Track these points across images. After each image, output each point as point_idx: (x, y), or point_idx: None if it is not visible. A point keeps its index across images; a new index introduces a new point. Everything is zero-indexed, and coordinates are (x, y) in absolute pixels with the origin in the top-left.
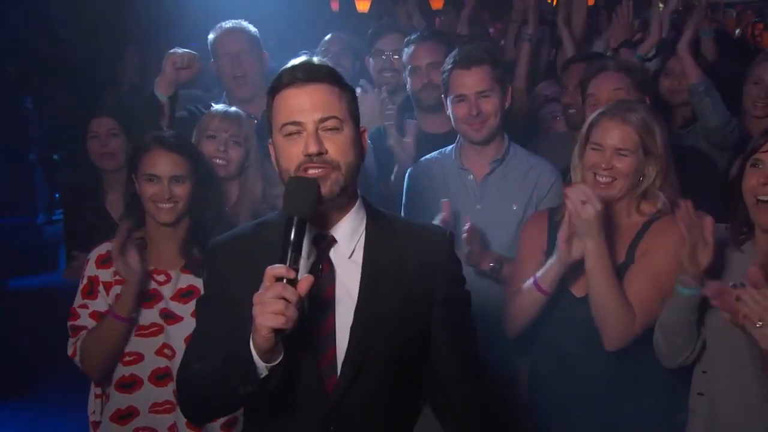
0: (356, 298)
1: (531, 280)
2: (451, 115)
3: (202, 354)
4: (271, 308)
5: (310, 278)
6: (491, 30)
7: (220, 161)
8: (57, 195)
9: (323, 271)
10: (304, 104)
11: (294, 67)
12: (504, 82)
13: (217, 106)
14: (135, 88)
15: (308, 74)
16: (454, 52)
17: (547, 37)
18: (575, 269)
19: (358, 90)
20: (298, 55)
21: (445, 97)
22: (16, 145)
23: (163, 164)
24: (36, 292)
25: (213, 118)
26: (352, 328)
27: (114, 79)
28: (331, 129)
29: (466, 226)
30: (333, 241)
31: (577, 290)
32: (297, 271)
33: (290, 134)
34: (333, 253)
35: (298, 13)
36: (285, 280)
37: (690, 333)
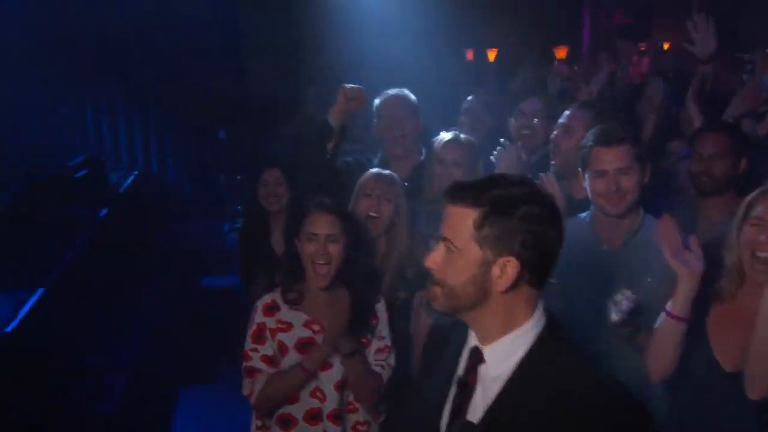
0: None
1: (662, 315)
2: (588, 189)
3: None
4: None
5: None
6: None
7: (374, 214)
8: (239, 207)
9: (469, 382)
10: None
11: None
12: (643, 159)
13: (374, 170)
14: (311, 121)
15: (448, 195)
16: (594, 129)
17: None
18: (726, 351)
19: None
20: (448, 130)
21: (583, 171)
22: (211, 167)
23: (321, 224)
24: (220, 290)
25: (369, 179)
26: None
27: (292, 117)
28: (446, 249)
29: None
30: (482, 359)
31: (728, 364)
32: None
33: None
34: (482, 368)
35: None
36: None
37: None
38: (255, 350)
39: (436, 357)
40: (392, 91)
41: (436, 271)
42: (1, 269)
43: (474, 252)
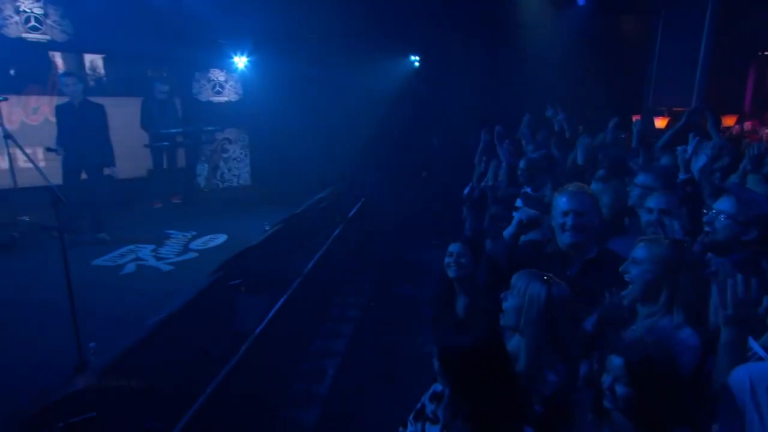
0: None
1: None
2: None
3: None
4: None
5: None
6: None
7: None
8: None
9: None
10: None
11: None
12: None
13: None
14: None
15: None
16: None
17: None
18: None
19: None
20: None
21: None
22: (417, 198)
23: None
24: (411, 298)
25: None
26: None
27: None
28: None
29: None
30: None
31: None
32: None
33: None
34: None
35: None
36: None
37: None
38: (411, 423)
39: None
40: (571, 187)
41: None
42: (264, 280)
43: None
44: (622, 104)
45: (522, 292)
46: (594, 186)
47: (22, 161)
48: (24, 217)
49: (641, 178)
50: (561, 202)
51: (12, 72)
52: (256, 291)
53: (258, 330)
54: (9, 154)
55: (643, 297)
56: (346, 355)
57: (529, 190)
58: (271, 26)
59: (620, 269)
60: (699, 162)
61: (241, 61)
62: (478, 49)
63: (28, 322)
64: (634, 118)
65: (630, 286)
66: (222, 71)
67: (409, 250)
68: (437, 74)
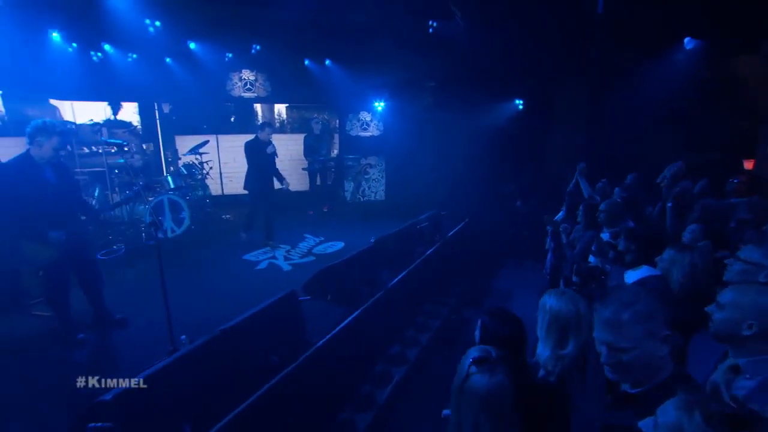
0: None
1: None
2: None
3: None
4: None
5: None
6: None
7: None
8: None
9: None
10: None
11: None
12: None
13: None
14: None
15: None
16: None
17: None
18: None
19: None
20: None
21: None
22: (511, 222)
23: None
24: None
25: None
26: None
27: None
28: None
29: None
30: None
31: None
32: None
33: None
34: None
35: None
36: None
37: None
38: None
39: None
40: (609, 310)
41: None
42: (350, 293)
43: None
44: (732, 147)
45: None
46: (667, 254)
47: (226, 176)
48: (227, 216)
49: (747, 252)
50: (596, 328)
51: (232, 119)
52: (341, 302)
53: (322, 342)
54: (221, 172)
55: None
56: (415, 364)
57: (607, 235)
58: (402, 78)
59: (657, 411)
60: None
61: (380, 105)
62: (581, 92)
63: (153, 313)
64: (746, 163)
65: None
66: (368, 113)
67: (497, 270)
68: (539, 116)
